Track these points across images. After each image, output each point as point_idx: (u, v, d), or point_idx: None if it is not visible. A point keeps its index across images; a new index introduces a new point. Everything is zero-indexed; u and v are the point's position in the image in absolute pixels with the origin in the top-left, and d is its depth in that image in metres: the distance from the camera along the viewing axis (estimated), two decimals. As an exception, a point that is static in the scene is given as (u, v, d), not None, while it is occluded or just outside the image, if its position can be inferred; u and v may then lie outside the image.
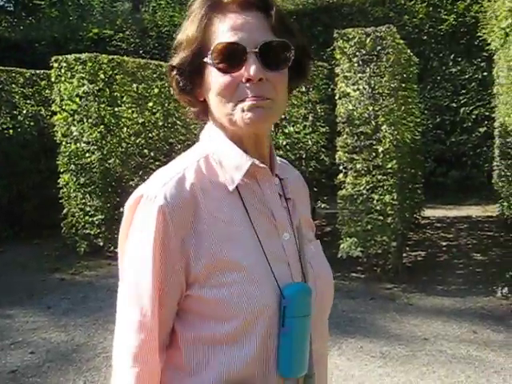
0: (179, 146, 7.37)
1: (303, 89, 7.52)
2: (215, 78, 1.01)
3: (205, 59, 1.01)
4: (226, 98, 1.01)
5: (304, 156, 7.41)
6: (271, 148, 1.12)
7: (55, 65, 6.90)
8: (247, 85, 0.99)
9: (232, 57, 0.99)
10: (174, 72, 1.06)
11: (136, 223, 1.01)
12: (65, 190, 6.88)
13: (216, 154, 1.06)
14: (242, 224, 1.03)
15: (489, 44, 7.49)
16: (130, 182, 6.81)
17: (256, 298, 0.98)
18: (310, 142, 7.31)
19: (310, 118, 7.53)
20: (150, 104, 7.19)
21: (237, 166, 1.04)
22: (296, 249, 1.08)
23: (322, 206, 7.84)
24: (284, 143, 6.67)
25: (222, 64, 1.00)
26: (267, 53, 1.00)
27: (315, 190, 7.84)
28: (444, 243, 7.17)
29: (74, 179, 6.81)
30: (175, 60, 1.05)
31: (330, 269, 1.19)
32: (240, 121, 1.00)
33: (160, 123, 7.37)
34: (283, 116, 7.04)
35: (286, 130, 6.85)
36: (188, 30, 1.04)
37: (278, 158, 1.18)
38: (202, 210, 1.00)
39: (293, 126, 7.02)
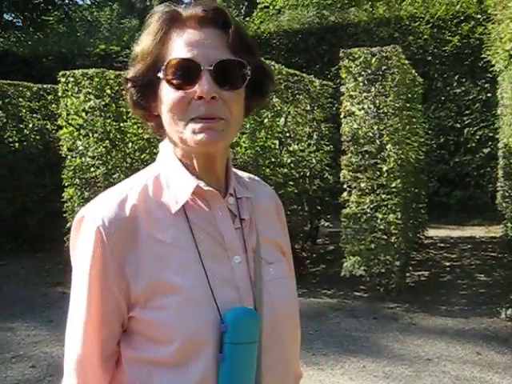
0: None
1: (308, 107, 7.57)
2: (167, 94, 0.99)
3: (158, 74, 0.99)
4: (178, 115, 0.98)
5: (308, 174, 7.42)
6: (228, 166, 1.09)
7: (62, 79, 6.95)
8: (199, 102, 0.97)
9: (185, 73, 0.97)
10: (129, 85, 1.04)
11: (77, 244, 1.01)
12: (69, 204, 6.89)
13: (165, 174, 1.05)
14: (185, 246, 1.00)
15: (493, 65, 7.53)
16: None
17: (194, 321, 0.96)
18: (314, 161, 7.33)
19: (315, 137, 7.56)
20: (156, 120, 7.22)
21: (182, 187, 1.02)
22: (247, 272, 1.04)
23: (326, 224, 7.84)
24: (288, 161, 6.68)
25: (175, 80, 0.98)
26: (222, 71, 0.97)
27: (319, 208, 7.84)
28: (447, 263, 7.15)
29: (79, 193, 6.82)
30: (130, 73, 1.04)
31: (293, 291, 1.15)
32: (190, 141, 0.98)
33: (165, 139, 7.40)
34: (288, 134, 7.08)
35: (291, 148, 6.87)
36: (144, 42, 1.02)
37: (246, 175, 1.17)
38: (142, 231, 0.99)
39: (297, 143, 7.04)
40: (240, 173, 1.17)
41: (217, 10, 1.01)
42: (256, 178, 1.21)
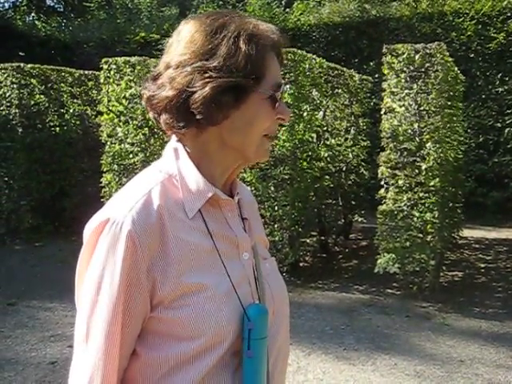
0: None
1: (347, 102, 7.53)
2: (265, 111, 1.05)
3: (259, 89, 1.03)
4: (259, 130, 1.06)
5: (344, 169, 7.39)
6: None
7: (105, 66, 7.05)
8: (276, 122, 1.08)
9: (278, 96, 1.07)
10: (234, 90, 1.02)
11: (102, 248, 0.98)
12: (106, 189, 7.01)
13: (180, 176, 1.06)
14: (206, 247, 1.04)
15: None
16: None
17: (219, 317, 0.99)
18: (350, 155, 7.30)
19: (352, 131, 7.52)
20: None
21: (199, 192, 1.05)
22: (252, 268, 1.10)
23: (359, 219, 7.80)
24: (325, 155, 6.67)
25: (276, 101, 1.06)
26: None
27: (353, 203, 7.82)
28: (482, 265, 7.05)
29: (117, 179, 6.93)
30: (240, 79, 1.01)
31: (284, 286, 1.20)
32: (263, 154, 1.09)
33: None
34: (326, 128, 7.06)
35: (328, 142, 6.86)
36: (247, 54, 1.01)
37: None
38: (168, 232, 1.00)
39: (335, 138, 7.02)
40: None
41: (285, 39, 1.12)
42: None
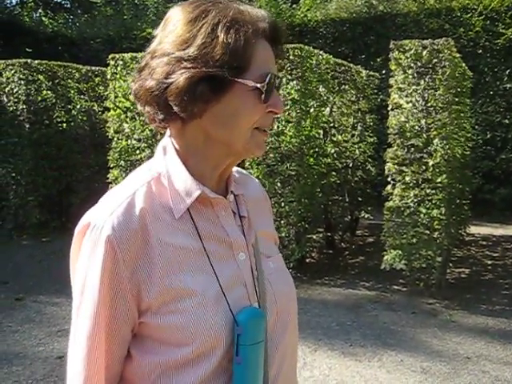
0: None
1: (353, 98, 7.51)
2: (251, 103, 0.98)
3: (242, 80, 0.97)
4: (250, 124, 0.99)
5: (351, 165, 7.38)
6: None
7: (111, 62, 7.05)
8: (270, 115, 1.02)
9: (271, 88, 0.99)
10: (208, 81, 0.96)
11: (84, 252, 0.97)
12: (113, 185, 7.03)
13: (167, 175, 1.02)
14: (193, 249, 1.00)
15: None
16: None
17: (208, 323, 0.96)
18: (357, 152, 7.29)
19: (359, 128, 7.50)
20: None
21: (186, 191, 1.01)
22: (250, 268, 1.05)
23: (366, 216, 7.79)
24: (332, 151, 6.66)
25: (266, 93, 0.99)
26: (278, 87, 1.05)
27: (360, 199, 7.81)
28: (489, 262, 7.03)
29: (123, 175, 6.95)
30: (215, 69, 0.96)
31: (291, 284, 1.15)
32: (255, 149, 1.03)
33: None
34: (332, 124, 7.05)
35: (335, 138, 6.85)
36: (234, 42, 0.96)
37: (235, 169, 1.15)
38: (152, 236, 0.97)
39: (341, 134, 7.01)
40: None
41: (281, 29, 1.04)
42: (243, 171, 1.21)
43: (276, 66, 1.04)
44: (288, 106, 5.81)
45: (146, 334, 0.99)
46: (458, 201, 6.76)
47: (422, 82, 5.37)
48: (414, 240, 5.37)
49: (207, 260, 1.00)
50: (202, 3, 1.00)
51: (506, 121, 9.87)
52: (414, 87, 5.39)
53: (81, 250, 0.98)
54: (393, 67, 5.51)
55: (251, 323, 0.98)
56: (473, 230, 8.27)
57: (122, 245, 0.95)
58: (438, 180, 5.29)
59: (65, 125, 8.70)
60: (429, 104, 5.37)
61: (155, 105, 1.00)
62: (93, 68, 9.03)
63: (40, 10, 17.23)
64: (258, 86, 0.98)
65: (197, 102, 0.96)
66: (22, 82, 8.21)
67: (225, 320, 0.98)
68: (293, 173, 5.85)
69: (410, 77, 5.41)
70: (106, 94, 7.53)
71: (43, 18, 15.59)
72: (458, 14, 10.27)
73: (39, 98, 8.41)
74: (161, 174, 1.03)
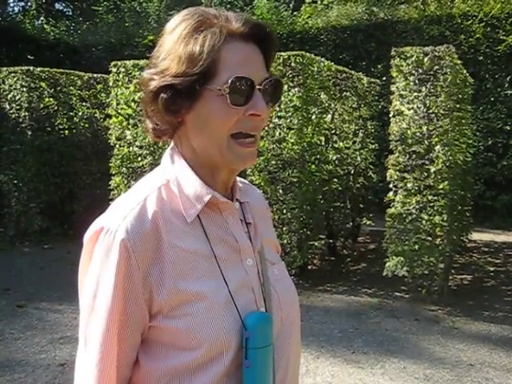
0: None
1: (355, 105, 7.52)
2: (221, 108, 0.97)
3: (209, 86, 0.97)
4: (224, 130, 0.98)
5: (352, 172, 7.39)
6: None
7: (113, 70, 7.08)
8: (249, 119, 0.99)
9: (243, 91, 0.97)
10: (168, 92, 0.98)
11: (96, 257, 0.97)
12: (115, 192, 7.03)
13: (177, 181, 1.03)
14: (203, 253, 1.01)
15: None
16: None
17: (217, 327, 0.97)
18: (358, 158, 7.30)
19: (360, 134, 7.51)
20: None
21: (197, 196, 1.02)
22: (257, 274, 1.06)
23: (367, 222, 7.79)
24: (334, 158, 6.67)
25: (234, 96, 0.97)
26: (267, 89, 1.00)
27: (361, 206, 7.81)
28: (491, 268, 7.02)
29: (125, 182, 6.96)
30: (171, 79, 0.97)
31: (294, 292, 1.16)
32: (233, 157, 1.00)
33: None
34: (334, 131, 7.06)
35: (336, 145, 6.85)
36: (191, 50, 0.97)
37: (238, 179, 1.16)
38: (164, 240, 0.98)
39: (343, 141, 7.02)
40: None
41: (262, 26, 1.02)
42: (246, 181, 1.22)
43: (260, 66, 1.01)
44: (290, 113, 5.82)
45: (156, 338, 0.99)
46: (459, 207, 6.76)
47: (424, 88, 5.38)
48: (416, 246, 5.36)
49: (216, 265, 1.01)
50: (185, 13, 1.02)
51: (508, 127, 9.88)
52: (415, 94, 5.40)
53: (93, 256, 0.99)
54: (394, 74, 5.52)
55: (260, 327, 0.99)
56: (475, 236, 8.26)
57: (135, 248, 0.95)
58: (440, 186, 5.29)
59: (67, 132, 8.72)
60: (430, 110, 5.38)
61: (146, 115, 1.06)
62: (95, 75, 9.06)
63: (42, 18, 17.31)
64: (219, 88, 0.97)
65: (167, 111, 0.99)
66: (24, 89, 8.24)
67: (234, 324, 0.98)
68: (294, 179, 5.86)
69: (412, 83, 5.42)
70: (107, 101, 7.55)
71: (45, 26, 15.65)
72: (459, 21, 10.31)
73: (41, 105, 8.44)
74: (170, 180, 1.04)
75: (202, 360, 0.97)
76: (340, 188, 7.07)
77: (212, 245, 1.02)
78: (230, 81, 0.96)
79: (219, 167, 1.04)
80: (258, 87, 0.99)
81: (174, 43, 0.98)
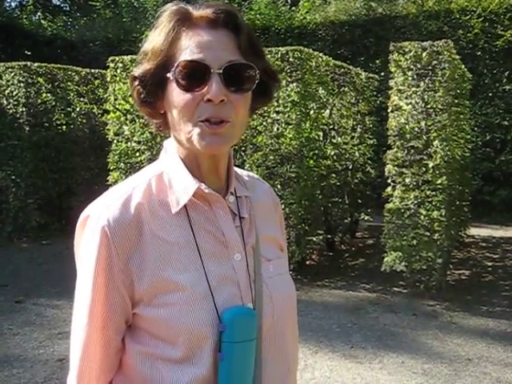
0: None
1: (353, 100, 7.52)
2: (176, 95, 0.99)
3: (168, 74, 0.99)
4: (186, 117, 0.99)
5: (350, 167, 7.39)
6: (230, 165, 1.10)
7: (111, 65, 7.05)
8: (207, 105, 0.97)
9: (195, 75, 0.97)
10: (136, 82, 1.03)
11: (84, 241, 1.02)
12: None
13: (167, 173, 1.06)
14: (186, 245, 1.02)
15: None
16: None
17: (194, 319, 0.98)
18: (357, 154, 7.29)
19: (359, 130, 7.51)
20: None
21: (184, 188, 1.03)
22: (247, 269, 1.06)
23: (366, 218, 7.80)
24: (332, 153, 6.66)
25: (185, 81, 0.97)
26: (231, 74, 0.97)
27: (359, 201, 7.81)
28: (489, 263, 7.03)
29: (123, 177, 6.94)
30: (138, 70, 1.03)
31: (292, 289, 1.15)
32: (197, 143, 0.99)
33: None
34: (332, 126, 7.05)
35: (335, 141, 6.85)
36: (154, 41, 1.01)
37: (245, 173, 1.17)
38: (146, 230, 1.00)
39: (341, 136, 7.01)
40: (239, 171, 1.18)
41: (228, 12, 1.01)
42: (255, 176, 1.22)
43: (226, 50, 0.99)
44: (288, 108, 5.81)
45: (139, 325, 1.02)
46: (457, 202, 6.77)
47: (422, 83, 5.38)
48: (414, 242, 5.37)
49: (198, 256, 1.02)
50: (162, 10, 1.06)
51: (506, 122, 9.88)
52: (413, 89, 5.39)
53: (82, 241, 1.04)
54: (392, 69, 5.51)
55: (237, 321, 0.99)
56: (473, 231, 8.27)
57: (115, 237, 0.99)
58: (438, 182, 5.29)
59: (64, 127, 8.71)
60: (428, 106, 5.38)
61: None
62: (92, 70, 9.04)
63: (39, 13, 17.23)
64: (168, 75, 0.99)
65: (141, 104, 1.05)
66: (22, 85, 8.21)
67: (210, 317, 0.99)
68: (293, 175, 5.85)
69: (410, 79, 5.41)
70: (105, 96, 7.53)
71: (42, 21, 15.58)
72: (457, 16, 10.29)
73: (39, 101, 8.41)
74: (163, 172, 1.06)
75: (183, 352, 0.98)
76: (338, 183, 7.07)
77: (197, 237, 1.03)
78: (174, 66, 0.98)
79: (198, 155, 1.04)
80: (217, 71, 0.97)
81: (145, 41, 1.04)
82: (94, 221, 1.00)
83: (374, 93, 8.19)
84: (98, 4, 16.05)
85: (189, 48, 0.98)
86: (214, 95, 0.96)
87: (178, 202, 1.03)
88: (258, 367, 1.03)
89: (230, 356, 0.98)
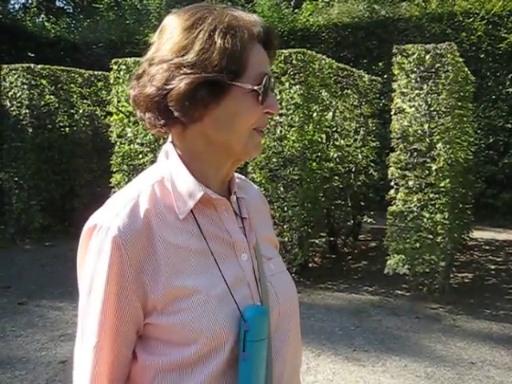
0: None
1: (356, 102, 7.51)
2: (249, 105, 1.01)
3: (240, 83, 0.99)
4: (248, 125, 1.02)
5: (353, 169, 7.38)
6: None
7: (114, 67, 7.07)
8: (265, 116, 1.05)
9: (267, 90, 1.02)
10: (204, 87, 0.98)
11: (90, 254, 0.99)
12: (116, 189, 7.02)
13: (171, 178, 1.04)
14: (198, 249, 1.02)
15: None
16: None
17: (215, 320, 0.98)
18: (359, 156, 7.29)
19: (362, 132, 7.50)
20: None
21: (189, 193, 1.03)
22: (252, 269, 1.07)
23: (368, 220, 7.79)
24: (335, 156, 6.66)
25: (262, 94, 1.01)
26: (272, 88, 1.07)
27: (362, 204, 7.80)
28: (492, 266, 7.01)
29: (126, 179, 6.95)
30: (207, 75, 0.98)
31: (293, 286, 1.17)
32: (252, 150, 1.05)
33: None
34: (335, 128, 7.05)
35: (338, 143, 6.85)
36: (227, 47, 0.98)
37: (236, 174, 1.18)
38: (157, 237, 0.99)
39: (344, 138, 7.01)
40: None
41: (272, 31, 1.06)
42: (243, 177, 1.23)
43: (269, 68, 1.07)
44: (291, 111, 5.81)
45: (152, 335, 1.00)
46: (460, 205, 6.76)
47: (425, 86, 5.37)
48: (417, 244, 5.36)
49: (213, 260, 1.02)
50: (197, 10, 1.02)
51: (509, 125, 9.87)
52: (416, 91, 5.39)
53: (87, 252, 0.99)
54: (396, 71, 5.51)
55: (257, 320, 1.00)
56: (476, 234, 8.26)
57: (127, 245, 0.96)
58: (442, 184, 5.28)
59: (67, 129, 8.72)
60: (432, 108, 5.37)
61: (156, 111, 1.02)
62: (95, 72, 9.05)
63: (43, 15, 17.29)
64: (256, 88, 1.00)
65: (197, 106, 0.99)
66: (25, 87, 8.23)
67: (232, 317, 0.99)
68: (295, 177, 5.85)
69: (413, 81, 5.41)
70: (108, 98, 7.54)
71: (46, 23, 15.64)
72: (460, 19, 10.29)
73: (42, 103, 8.43)
74: (164, 177, 1.05)
75: (200, 354, 0.97)
76: (341, 186, 7.06)
77: (207, 240, 1.03)
78: (264, 80, 1.01)
79: (230, 159, 1.06)
80: (272, 87, 1.05)
81: (208, 38, 0.98)
82: (103, 230, 0.97)
83: (377, 95, 8.19)
84: (101, 6, 16.10)
85: (259, 62, 1.02)
86: (277, 110, 1.06)
87: (185, 207, 1.02)
88: (268, 366, 1.04)
89: (252, 355, 0.99)
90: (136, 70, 1.06)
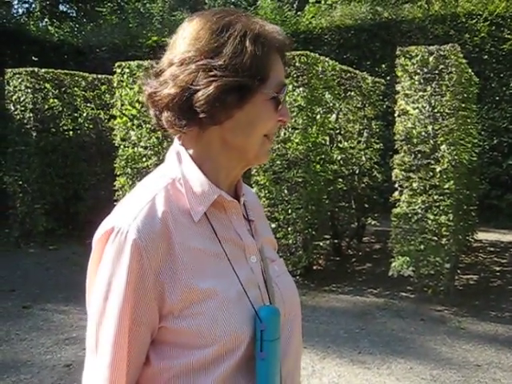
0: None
1: (359, 104, 7.51)
2: (268, 112, 1.04)
3: (263, 89, 1.01)
4: (262, 131, 1.04)
5: (357, 172, 7.37)
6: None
7: (118, 70, 7.08)
8: (277, 124, 1.08)
9: (282, 97, 1.06)
10: (233, 91, 0.99)
11: (108, 258, 0.96)
12: (120, 192, 7.03)
13: (183, 180, 1.04)
14: (214, 251, 1.02)
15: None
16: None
17: (232, 321, 0.98)
18: (363, 158, 7.28)
19: (365, 134, 7.50)
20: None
21: (204, 195, 1.03)
22: (261, 270, 1.09)
23: (372, 222, 7.77)
24: (338, 158, 6.65)
25: (280, 102, 1.05)
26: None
27: (366, 206, 7.78)
28: (497, 268, 6.98)
29: (130, 182, 6.96)
30: (237, 78, 0.99)
31: (294, 287, 1.18)
32: (262, 156, 1.08)
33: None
34: (339, 130, 7.04)
35: (341, 145, 6.84)
36: (253, 54, 1.00)
37: None
38: (174, 239, 0.98)
39: (348, 140, 7.00)
40: None
41: (290, 43, 1.09)
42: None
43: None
44: (294, 113, 5.81)
45: (165, 339, 0.99)
46: (465, 207, 6.74)
47: (429, 87, 5.36)
48: (422, 246, 5.34)
49: (228, 262, 1.03)
50: (224, 15, 1.03)
51: (513, 126, 9.84)
52: (420, 93, 5.38)
53: (104, 256, 0.98)
54: (399, 73, 5.50)
55: (272, 319, 1.01)
56: (480, 236, 8.23)
57: (147, 248, 0.95)
58: (446, 186, 5.27)
59: (71, 133, 8.74)
60: (435, 110, 5.36)
61: (178, 110, 1.01)
62: (99, 76, 9.07)
63: (46, 19, 17.35)
64: (277, 95, 1.03)
65: (225, 109, 1.00)
66: (29, 91, 8.25)
67: (247, 318, 1.00)
68: (299, 180, 5.84)
69: (417, 83, 5.40)
70: (112, 101, 7.55)
71: (49, 27, 15.68)
72: (464, 20, 10.27)
73: (46, 107, 8.45)
74: (175, 179, 1.05)
75: (214, 355, 0.98)
76: (345, 188, 7.05)
77: (222, 243, 1.04)
78: (283, 88, 1.05)
79: (241, 163, 1.08)
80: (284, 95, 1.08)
81: (239, 43, 1.00)
82: (122, 233, 0.95)
83: (381, 97, 8.19)
84: (104, 10, 16.15)
85: (278, 71, 1.05)
86: (289, 118, 1.10)
87: (199, 209, 1.02)
88: (281, 365, 1.06)
89: (269, 354, 1.00)
90: (147, 70, 1.06)
